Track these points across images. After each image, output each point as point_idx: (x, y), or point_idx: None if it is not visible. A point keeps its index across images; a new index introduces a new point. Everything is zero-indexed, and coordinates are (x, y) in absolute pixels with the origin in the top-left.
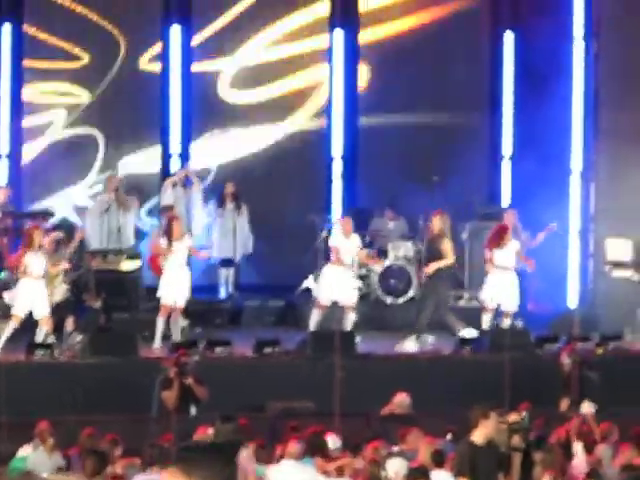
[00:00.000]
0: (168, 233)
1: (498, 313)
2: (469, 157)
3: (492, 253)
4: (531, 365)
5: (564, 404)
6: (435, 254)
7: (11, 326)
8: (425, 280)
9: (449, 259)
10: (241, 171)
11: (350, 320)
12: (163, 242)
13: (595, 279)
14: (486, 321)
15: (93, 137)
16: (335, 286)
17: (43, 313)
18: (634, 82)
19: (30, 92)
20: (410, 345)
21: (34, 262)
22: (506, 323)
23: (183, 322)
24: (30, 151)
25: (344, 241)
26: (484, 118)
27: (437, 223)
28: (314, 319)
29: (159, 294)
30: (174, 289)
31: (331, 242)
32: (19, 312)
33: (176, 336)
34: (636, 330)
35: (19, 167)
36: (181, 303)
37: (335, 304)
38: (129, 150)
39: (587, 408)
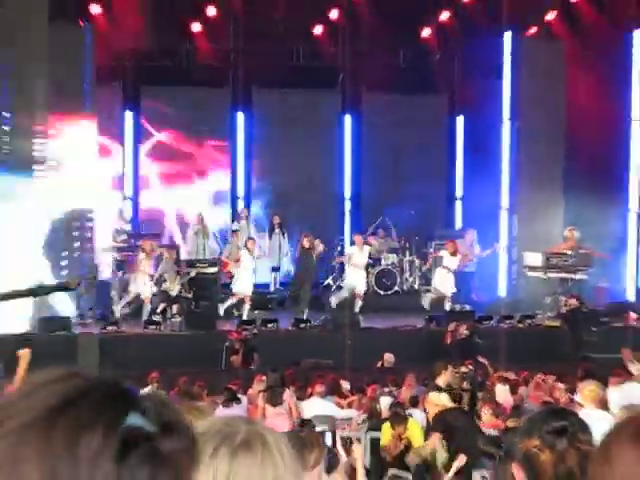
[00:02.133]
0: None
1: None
2: (433, 198)
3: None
4: (475, 334)
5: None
6: (303, 258)
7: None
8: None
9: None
10: (284, 207)
11: (359, 304)
12: (244, 255)
13: (517, 277)
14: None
15: None
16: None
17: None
18: (544, 149)
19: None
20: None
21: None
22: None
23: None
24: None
25: (358, 252)
26: (444, 172)
27: (306, 241)
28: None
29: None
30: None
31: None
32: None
33: (244, 315)
34: (544, 311)
35: (138, 205)
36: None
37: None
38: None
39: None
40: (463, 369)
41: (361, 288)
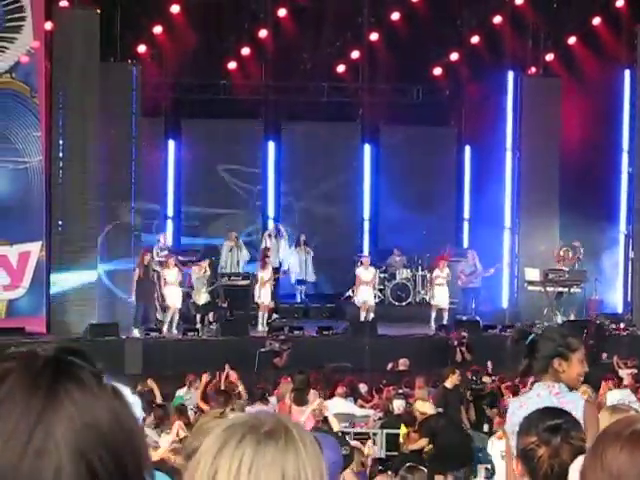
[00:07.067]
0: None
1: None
2: (444, 221)
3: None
4: (480, 341)
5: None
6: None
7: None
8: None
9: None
10: (309, 226)
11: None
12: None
13: (518, 291)
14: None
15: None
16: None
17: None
18: (542, 176)
19: None
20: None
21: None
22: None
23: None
24: None
25: (364, 271)
26: (454, 197)
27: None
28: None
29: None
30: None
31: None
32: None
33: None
34: (542, 321)
35: (181, 223)
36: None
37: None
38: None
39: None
40: (469, 374)
41: (370, 301)
